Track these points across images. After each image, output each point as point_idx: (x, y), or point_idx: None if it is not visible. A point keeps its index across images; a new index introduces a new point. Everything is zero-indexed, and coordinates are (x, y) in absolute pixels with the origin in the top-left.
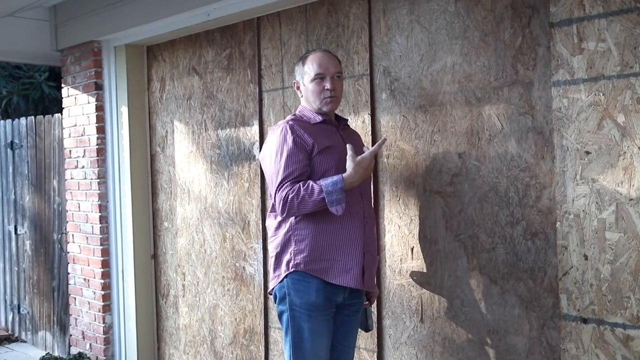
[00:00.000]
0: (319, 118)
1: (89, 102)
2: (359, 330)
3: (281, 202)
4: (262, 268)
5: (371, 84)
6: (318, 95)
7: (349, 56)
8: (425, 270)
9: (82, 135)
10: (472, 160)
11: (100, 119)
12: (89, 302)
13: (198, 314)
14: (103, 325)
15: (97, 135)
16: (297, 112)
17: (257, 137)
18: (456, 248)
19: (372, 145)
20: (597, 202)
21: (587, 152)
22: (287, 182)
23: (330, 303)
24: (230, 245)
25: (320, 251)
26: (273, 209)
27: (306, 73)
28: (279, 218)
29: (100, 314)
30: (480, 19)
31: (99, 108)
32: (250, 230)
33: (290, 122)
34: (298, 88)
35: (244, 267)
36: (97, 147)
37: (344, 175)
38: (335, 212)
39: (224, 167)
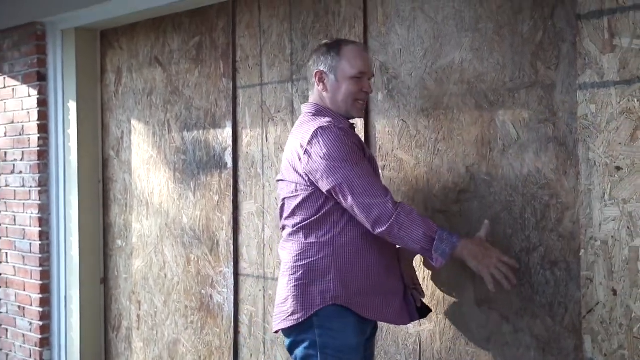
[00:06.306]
0: (346, 123)
1: (29, 95)
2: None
3: (389, 211)
4: (232, 297)
5: None
6: (352, 97)
7: None
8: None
9: (20, 135)
10: (482, 174)
11: (43, 116)
12: (23, 335)
13: (155, 350)
14: None
15: (38, 135)
16: (315, 111)
17: (229, 142)
18: (461, 277)
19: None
20: (628, 227)
21: (618, 168)
22: (391, 195)
23: (364, 343)
24: (195, 269)
25: (364, 280)
26: (294, 233)
27: (342, 68)
28: (311, 239)
29: (37, 349)
30: (495, 9)
31: (42, 102)
32: (219, 251)
33: (340, 126)
34: (321, 80)
35: (211, 296)
36: (38, 149)
37: (462, 238)
38: (434, 263)
39: (189, 176)
